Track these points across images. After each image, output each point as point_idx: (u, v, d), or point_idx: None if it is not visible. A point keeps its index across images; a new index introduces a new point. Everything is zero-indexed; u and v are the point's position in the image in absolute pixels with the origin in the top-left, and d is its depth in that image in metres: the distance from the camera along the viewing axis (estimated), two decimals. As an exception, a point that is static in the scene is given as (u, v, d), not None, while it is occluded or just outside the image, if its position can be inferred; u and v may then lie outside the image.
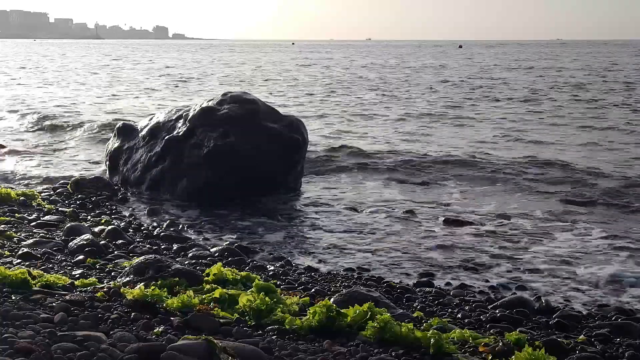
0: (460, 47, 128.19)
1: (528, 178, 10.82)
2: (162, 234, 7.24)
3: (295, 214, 8.72)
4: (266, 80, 34.62)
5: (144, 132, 9.78)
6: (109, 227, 6.96)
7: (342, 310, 4.10)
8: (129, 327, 3.79)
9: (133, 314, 4.01)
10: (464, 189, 10.12)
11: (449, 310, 5.10)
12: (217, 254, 6.39)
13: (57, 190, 9.30)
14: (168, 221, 7.85)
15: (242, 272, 5.16)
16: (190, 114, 9.46)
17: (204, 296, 4.43)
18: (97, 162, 11.86)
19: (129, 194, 9.19)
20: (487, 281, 6.09)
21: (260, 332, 3.95)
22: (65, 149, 13.72)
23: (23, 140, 14.54)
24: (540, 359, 3.63)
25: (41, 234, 6.60)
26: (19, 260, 5.40)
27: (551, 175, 10.99)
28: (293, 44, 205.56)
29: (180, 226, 7.72)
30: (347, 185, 10.49)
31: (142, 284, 4.58)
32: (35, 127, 16.59)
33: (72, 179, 9.69)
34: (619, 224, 8.27)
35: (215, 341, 3.48)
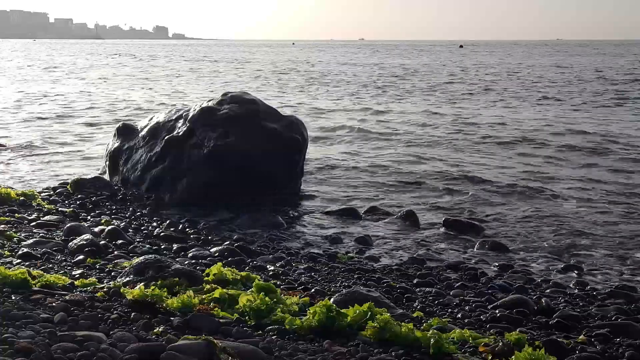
0: (461, 46, 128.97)
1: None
2: (162, 234, 7.24)
3: (295, 214, 8.72)
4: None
5: (143, 132, 9.77)
6: (109, 227, 6.95)
7: (342, 310, 4.09)
8: (129, 327, 3.79)
9: (133, 314, 4.01)
10: (466, 192, 10.12)
11: (449, 310, 5.10)
12: (217, 254, 6.39)
13: (57, 190, 9.30)
14: (168, 221, 7.85)
15: (242, 272, 5.16)
16: (190, 114, 9.46)
17: (204, 296, 4.42)
18: (97, 162, 11.86)
19: (129, 194, 9.18)
20: (488, 281, 6.08)
21: (260, 332, 3.94)
22: (66, 149, 13.72)
23: (23, 140, 14.53)
24: (540, 359, 3.63)
25: (41, 234, 6.60)
26: (19, 260, 5.39)
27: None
28: (293, 44, 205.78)
29: (180, 226, 7.71)
30: (348, 184, 10.48)
31: (142, 284, 4.57)
32: (37, 126, 16.61)
33: (72, 179, 9.70)
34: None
35: (215, 341, 3.48)
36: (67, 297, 4.20)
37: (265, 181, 9.16)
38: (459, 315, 4.95)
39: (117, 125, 10.54)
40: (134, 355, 3.27)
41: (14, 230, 6.57)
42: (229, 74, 39.53)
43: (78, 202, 8.61)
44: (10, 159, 12.26)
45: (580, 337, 4.48)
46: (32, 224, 7.10)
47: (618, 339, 4.44)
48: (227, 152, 8.96)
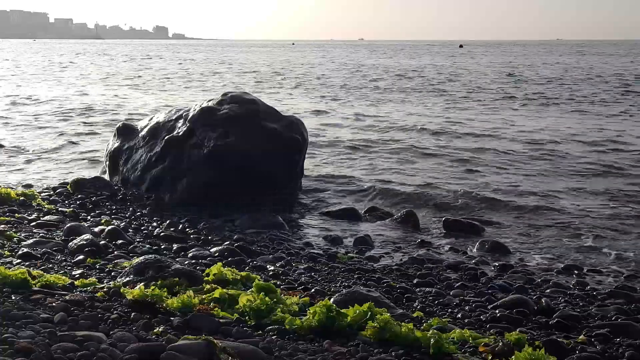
0: (461, 46, 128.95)
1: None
2: (162, 234, 7.24)
3: (295, 214, 8.72)
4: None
5: (143, 132, 9.77)
6: (109, 227, 6.95)
7: (342, 310, 4.09)
8: (129, 327, 3.79)
9: (133, 314, 4.01)
10: (466, 193, 10.11)
11: (449, 310, 5.10)
12: (217, 254, 6.39)
13: (57, 190, 9.30)
14: (168, 221, 7.85)
15: (242, 272, 5.16)
16: (190, 114, 9.45)
17: (204, 296, 4.43)
18: (97, 162, 11.86)
19: (129, 194, 9.18)
20: (488, 281, 6.08)
21: (260, 332, 3.94)
22: (65, 149, 13.72)
23: (23, 140, 14.53)
24: (540, 359, 3.63)
25: (41, 234, 6.60)
26: (19, 260, 5.40)
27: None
28: (293, 44, 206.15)
29: (180, 226, 7.71)
30: (348, 184, 10.48)
31: (142, 284, 4.58)
32: (36, 127, 16.61)
33: (72, 179, 9.70)
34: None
35: (215, 341, 3.48)
36: (67, 297, 4.20)
37: (265, 181, 9.16)
38: (459, 315, 4.95)
39: (117, 125, 10.54)
40: (134, 355, 3.27)
41: (14, 230, 6.58)
42: (213, 78, 38.61)
43: (78, 202, 8.61)
44: (10, 160, 12.26)
45: (580, 337, 4.48)
46: (32, 224, 7.10)
47: (618, 339, 4.44)
48: (227, 152, 8.96)
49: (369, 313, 4.09)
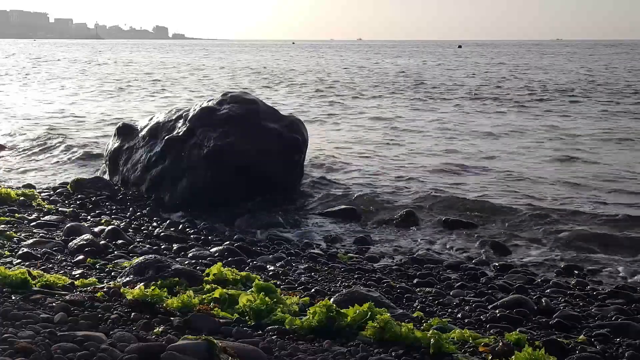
0: (460, 47, 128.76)
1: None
2: (162, 234, 7.24)
3: (295, 214, 8.72)
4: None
5: (143, 132, 9.77)
6: (109, 227, 6.96)
7: (342, 310, 4.10)
8: (129, 327, 3.79)
9: (133, 314, 4.02)
10: (465, 193, 10.11)
11: (449, 310, 5.10)
12: (217, 254, 6.39)
13: (57, 190, 9.30)
14: (168, 221, 7.85)
15: (242, 272, 5.16)
16: (190, 114, 9.45)
17: (204, 296, 4.43)
18: (97, 162, 11.86)
19: (129, 194, 9.18)
20: (488, 281, 6.08)
21: (260, 332, 3.94)
22: (66, 149, 13.71)
23: (24, 140, 14.53)
24: (540, 359, 3.63)
25: (41, 234, 6.60)
26: (19, 260, 5.40)
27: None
28: (293, 43, 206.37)
29: (180, 226, 7.71)
30: (348, 185, 10.47)
31: (142, 284, 4.58)
32: (35, 128, 16.60)
33: (72, 179, 9.70)
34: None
35: (215, 341, 3.48)
36: (67, 297, 4.20)
37: (265, 181, 9.16)
38: (459, 315, 4.95)
39: (117, 125, 10.53)
40: (134, 355, 3.27)
41: (14, 230, 6.58)
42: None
43: (78, 202, 8.62)
44: (9, 160, 12.26)
45: (580, 337, 4.48)
46: (32, 224, 7.10)
47: (618, 339, 4.44)
48: (227, 152, 8.96)
49: (369, 313, 4.09)
